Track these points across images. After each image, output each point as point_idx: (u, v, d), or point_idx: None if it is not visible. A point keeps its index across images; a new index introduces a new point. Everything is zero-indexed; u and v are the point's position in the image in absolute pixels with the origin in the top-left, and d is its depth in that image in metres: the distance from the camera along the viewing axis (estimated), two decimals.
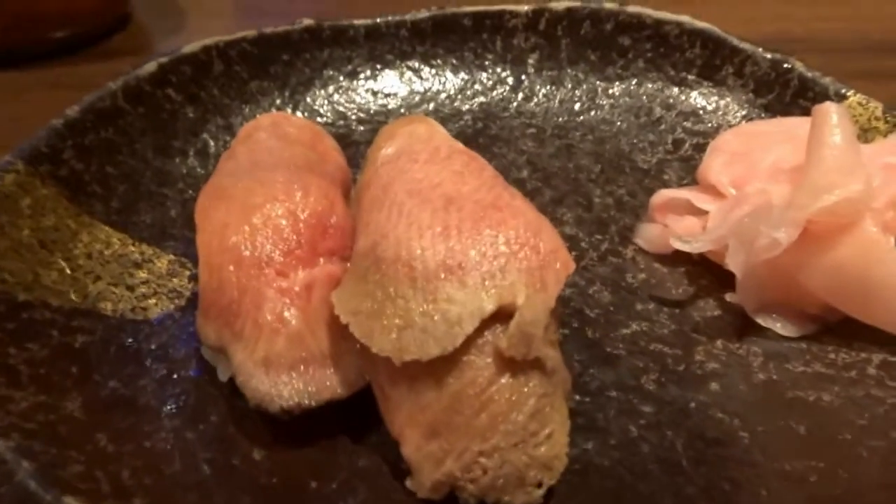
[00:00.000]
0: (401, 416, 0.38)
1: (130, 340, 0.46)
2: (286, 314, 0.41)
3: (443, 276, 0.38)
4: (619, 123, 0.68)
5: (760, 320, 0.48)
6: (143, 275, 0.51)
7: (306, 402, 0.40)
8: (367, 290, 0.40)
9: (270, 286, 0.42)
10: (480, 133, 0.68)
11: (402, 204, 0.42)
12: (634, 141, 0.66)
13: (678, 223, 0.53)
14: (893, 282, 0.44)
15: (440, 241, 0.39)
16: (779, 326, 0.48)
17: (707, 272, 0.53)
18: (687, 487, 0.39)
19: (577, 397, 0.44)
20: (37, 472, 0.33)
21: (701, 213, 0.54)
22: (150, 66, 0.60)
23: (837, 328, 0.47)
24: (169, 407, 0.42)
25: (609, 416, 0.43)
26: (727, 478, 0.39)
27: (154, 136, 0.59)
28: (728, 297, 0.48)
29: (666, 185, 0.62)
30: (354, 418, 0.42)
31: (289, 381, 0.40)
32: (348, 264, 0.44)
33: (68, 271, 0.48)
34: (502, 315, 0.38)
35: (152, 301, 0.49)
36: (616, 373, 0.46)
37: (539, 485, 0.37)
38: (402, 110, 0.69)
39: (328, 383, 0.41)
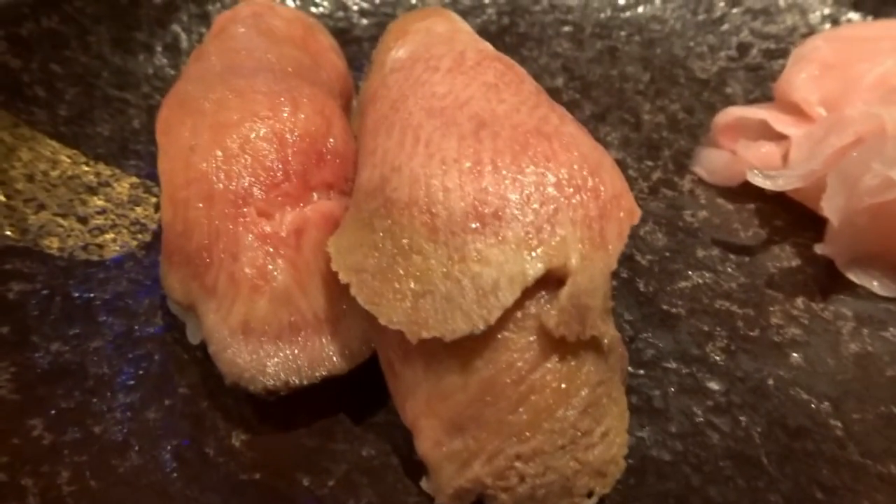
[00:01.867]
0: (416, 402, 0.30)
1: (81, 288, 0.37)
2: (270, 267, 0.32)
3: (474, 226, 0.29)
4: (672, 21, 0.57)
5: (853, 276, 0.40)
6: (98, 202, 0.42)
7: (296, 380, 0.32)
8: (374, 240, 0.31)
9: (250, 230, 0.33)
10: (506, 31, 0.57)
11: (419, 127, 0.32)
12: (691, 44, 0.56)
13: (751, 150, 0.44)
14: None
15: (470, 180, 0.30)
16: (875, 285, 0.39)
17: (782, 210, 0.44)
18: (769, 494, 0.31)
19: (629, 369, 0.36)
20: None
21: (779, 137, 0.44)
22: None
23: None
24: (126, 377, 0.34)
25: (668, 395, 0.35)
26: (819, 483, 0.32)
27: (112, 27, 0.49)
28: (817, 248, 0.39)
29: (730, 100, 0.52)
30: (358, 394, 0.34)
31: (274, 353, 0.32)
32: (349, 201, 0.35)
33: (2, 198, 0.39)
34: (550, 279, 0.29)
35: (109, 236, 0.40)
36: (675, 338, 0.38)
37: (589, 494, 0.29)
38: (414, 0, 0.58)
39: (324, 355, 0.32)
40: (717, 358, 0.37)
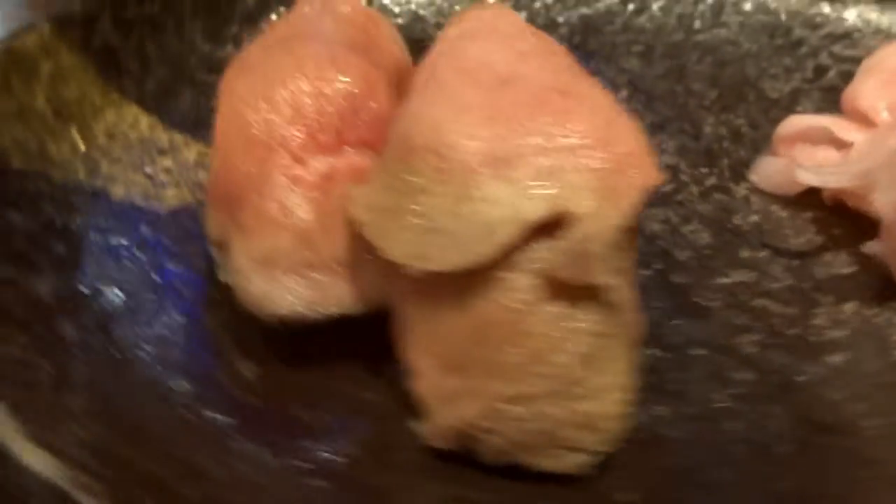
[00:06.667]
0: (416, 342, 0.31)
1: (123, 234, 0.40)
2: (296, 207, 0.34)
3: (482, 168, 0.30)
4: (747, 45, 0.56)
5: None
6: (167, 163, 0.45)
7: (306, 310, 0.33)
8: (390, 183, 0.32)
9: (281, 172, 0.35)
10: (577, 48, 0.58)
11: (445, 83, 0.33)
12: (764, 65, 0.55)
13: (807, 153, 0.42)
14: None
15: (483, 126, 0.31)
16: None
17: (841, 220, 0.41)
18: (777, 482, 0.29)
19: (650, 351, 0.35)
20: None
21: (842, 145, 0.42)
22: None
23: None
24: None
25: (690, 379, 0.34)
26: (832, 476, 0.29)
27: (206, 20, 0.53)
28: (865, 247, 0.37)
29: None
30: (371, 344, 0.34)
31: (289, 285, 0.33)
32: None
33: (82, 146, 0.43)
34: (557, 227, 0.29)
35: (171, 192, 0.43)
36: (706, 328, 0.36)
37: (577, 449, 0.28)
38: None
39: (337, 294, 0.33)
40: (749, 350, 0.35)
